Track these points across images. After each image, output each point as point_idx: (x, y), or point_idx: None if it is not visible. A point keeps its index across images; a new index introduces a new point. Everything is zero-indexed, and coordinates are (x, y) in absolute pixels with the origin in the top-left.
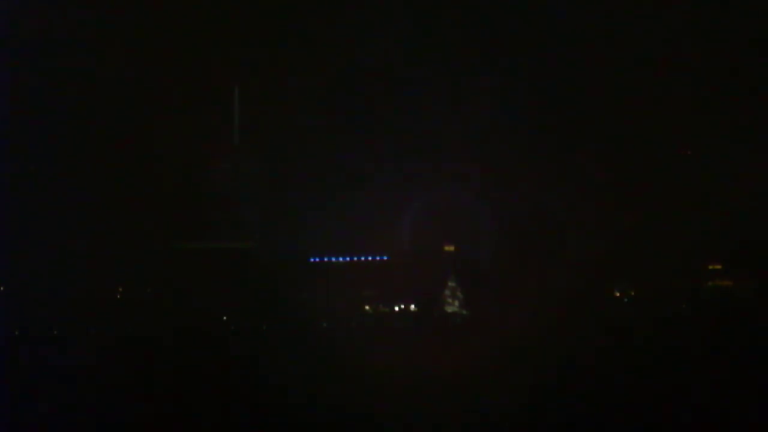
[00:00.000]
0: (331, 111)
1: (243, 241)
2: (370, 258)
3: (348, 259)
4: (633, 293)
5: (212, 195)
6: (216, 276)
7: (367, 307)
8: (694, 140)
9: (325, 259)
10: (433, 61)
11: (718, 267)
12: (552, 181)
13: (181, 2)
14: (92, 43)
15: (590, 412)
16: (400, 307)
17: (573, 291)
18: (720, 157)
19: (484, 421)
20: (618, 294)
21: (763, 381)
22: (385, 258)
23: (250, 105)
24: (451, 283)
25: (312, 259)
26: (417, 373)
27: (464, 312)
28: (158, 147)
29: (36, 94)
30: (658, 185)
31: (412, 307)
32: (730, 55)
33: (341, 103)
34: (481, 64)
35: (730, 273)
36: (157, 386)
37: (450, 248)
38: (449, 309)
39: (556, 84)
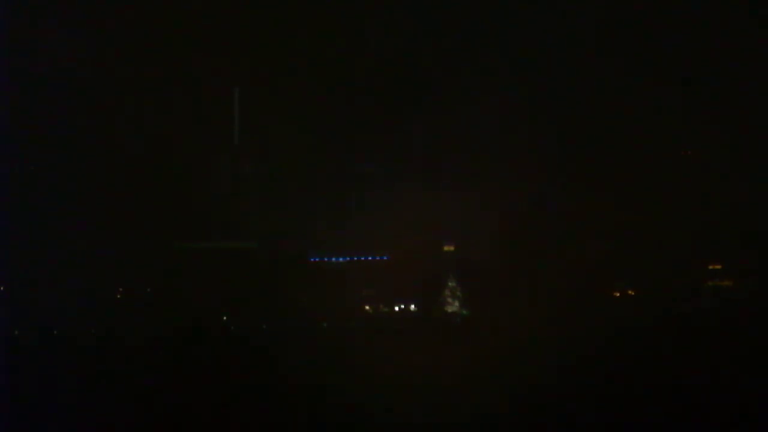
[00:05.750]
0: (331, 110)
1: (243, 241)
2: (370, 258)
3: (348, 259)
4: (632, 293)
5: (212, 195)
6: (216, 276)
7: (367, 307)
8: (694, 140)
9: (325, 259)
10: (433, 61)
11: (718, 267)
12: (552, 180)
13: (181, 2)
14: (92, 42)
15: (590, 412)
16: (400, 307)
17: (573, 291)
18: (720, 157)
19: (484, 421)
20: (618, 294)
21: (763, 381)
22: (385, 258)
23: (249, 105)
24: (451, 283)
25: (312, 259)
26: (417, 372)
27: (464, 312)
28: (158, 147)
29: (36, 95)
30: (658, 185)
31: (413, 307)
32: (730, 54)
33: (341, 103)
34: (481, 64)
35: (730, 273)
36: (158, 386)
37: (450, 248)
38: (449, 309)
39: (556, 83)
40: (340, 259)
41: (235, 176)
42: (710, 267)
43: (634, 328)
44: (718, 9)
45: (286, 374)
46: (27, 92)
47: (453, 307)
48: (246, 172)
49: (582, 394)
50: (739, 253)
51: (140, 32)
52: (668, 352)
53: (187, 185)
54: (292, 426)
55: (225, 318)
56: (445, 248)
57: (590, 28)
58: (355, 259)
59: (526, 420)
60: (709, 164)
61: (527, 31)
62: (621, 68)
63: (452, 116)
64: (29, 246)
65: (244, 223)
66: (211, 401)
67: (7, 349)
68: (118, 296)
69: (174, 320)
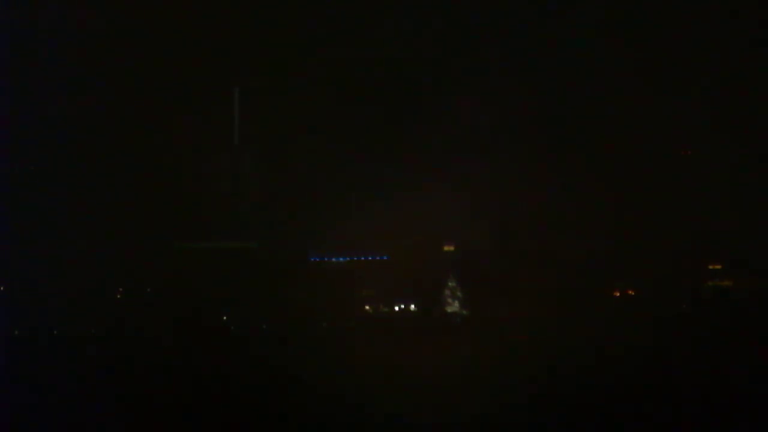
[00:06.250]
0: (331, 111)
1: (243, 240)
2: (370, 258)
3: (348, 259)
4: (632, 293)
5: (212, 195)
6: (216, 276)
7: (367, 307)
8: (694, 140)
9: (325, 259)
10: (434, 62)
11: (718, 267)
12: (552, 181)
13: (182, 3)
14: (93, 43)
15: (589, 411)
16: (400, 307)
17: (572, 291)
18: (720, 157)
19: (484, 420)
20: (618, 294)
21: (762, 381)
22: (385, 258)
23: (250, 105)
24: (451, 283)
25: (312, 259)
26: (417, 371)
27: (464, 312)
28: (159, 147)
29: (37, 95)
30: (659, 185)
31: (412, 307)
32: (730, 56)
33: (342, 104)
34: (482, 65)
35: (730, 273)
36: (158, 385)
37: (450, 248)
38: (449, 309)
39: (557, 85)
40: (340, 259)
41: (236, 176)
42: (710, 267)
43: (633, 328)
44: (719, 9)
45: (286, 374)
46: (27, 92)
47: (453, 307)
48: (246, 172)
49: (581, 393)
50: (739, 253)
51: (141, 32)
52: (667, 352)
53: (187, 185)
54: (292, 425)
55: (225, 318)
56: (445, 248)
57: (591, 29)
58: (355, 259)
59: (526, 419)
60: (709, 164)
61: (528, 32)
62: (621, 69)
63: (453, 117)
64: (29, 246)
65: (244, 223)
66: (211, 400)
67: (7, 349)
68: (118, 296)
69: (174, 320)
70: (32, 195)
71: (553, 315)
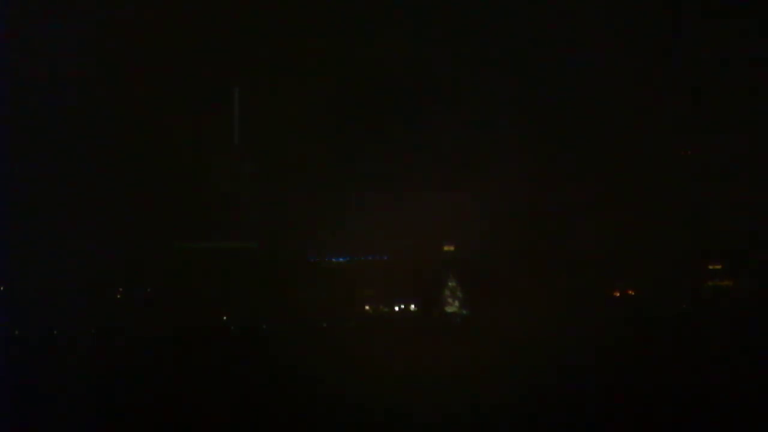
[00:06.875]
0: (332, 111)
1: (243, 241)
2: (370, 258)
3: (348, 259)
4: (632, 293)
5: (213, 195)
6: (216, 276)
7: (367, 307)
8: (694, 140)
9: (325, 259)
10: (434, 63)
11: (718, 267)
12: (552, 181)
13: (182, 3)
14: (93, 42)
15: (589, 411)
16: (400, 307)
17: (572, 291)
18: (720, 157)
19: (484, 420)
20: (618, 294)
21: (763, 380)
22: (385, 258)
23: (250, 105)
24: (451, 283)
25: (311, 259)
26: (417, 372)
27: (464, 312)
28: (159, 147)
29: (37, 95)
30: (658, 185)
31: (412, 307)
32: (730, 56)
33: (342, 104)
34: (481, 66)
35: (730, 273)
36: (158, 385)
37: (450, 248)
38: (449, 309)
39: (556, 84)
40: (340, 259)
41: (236, 176)
42: (710, 267)
43: (634, 328)
44: (718, 10)
45: (286, 374)
46: (28, 92)
47: (453, 307)
48: (246, 172)
49: (581, 393)
50: (739, 253)
51: (141, 33)
52: (667, 352)
53: (187, 185)
54: (292, 425)
55: (225, 318)
56: (445, 248)
57: (591, 30)
58: (355, 259)
59: (525, 419)
60: (709, 164)
61: (527, 32)
62: (622, 69)
63: (453, 117)
64: (29, 246)
65: (244, 223)
66: (211, 400)
67: (7, 349)
68: (118, 296)
69: (174, 320)
70: (32, 195)
71: (553, 315)
